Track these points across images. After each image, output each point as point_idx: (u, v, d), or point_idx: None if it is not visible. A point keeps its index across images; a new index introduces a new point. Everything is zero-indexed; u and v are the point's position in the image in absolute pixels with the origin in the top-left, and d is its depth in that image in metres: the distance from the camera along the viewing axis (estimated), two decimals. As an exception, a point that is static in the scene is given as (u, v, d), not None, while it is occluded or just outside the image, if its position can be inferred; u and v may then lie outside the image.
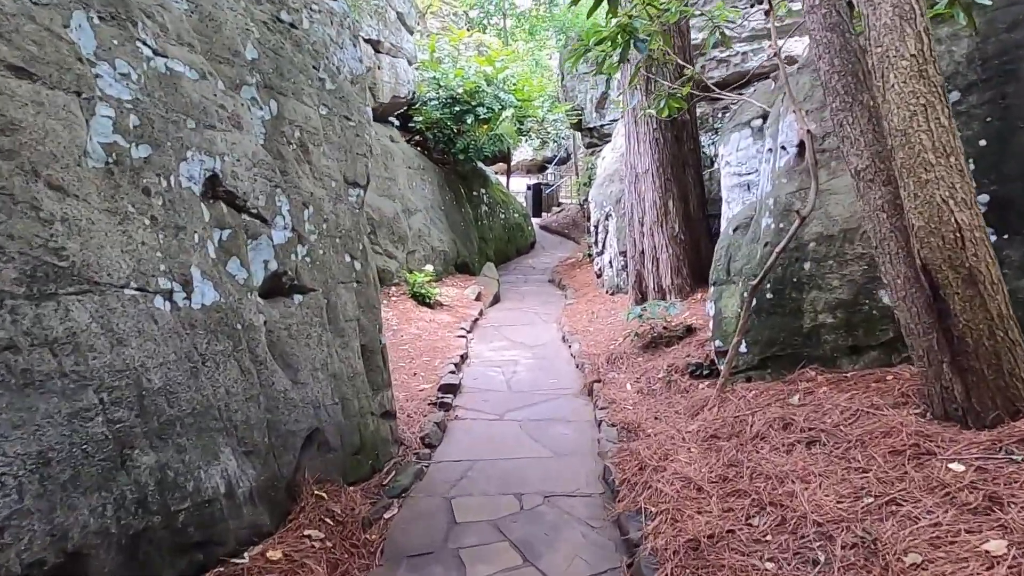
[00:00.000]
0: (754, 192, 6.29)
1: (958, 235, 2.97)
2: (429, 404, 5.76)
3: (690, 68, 6.00)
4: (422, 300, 9.59)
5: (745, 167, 6.33)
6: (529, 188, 23.80)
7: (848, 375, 4.12)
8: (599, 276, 11.36)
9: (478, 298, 10.79)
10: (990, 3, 3.45)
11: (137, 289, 2.57)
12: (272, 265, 3.48)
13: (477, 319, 9.66)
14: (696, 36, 9.33)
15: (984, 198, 3.66)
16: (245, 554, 2.92)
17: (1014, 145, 3.67)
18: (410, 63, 13.06)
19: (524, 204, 20.66)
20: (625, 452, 4.24)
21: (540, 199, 23.36)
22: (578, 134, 19.03)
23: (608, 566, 3.20)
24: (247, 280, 3.27)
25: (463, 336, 8.38)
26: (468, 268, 12.86)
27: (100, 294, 2.40)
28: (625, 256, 9.65)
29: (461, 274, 12.47)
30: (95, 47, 2.57)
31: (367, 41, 11.28)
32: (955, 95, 3.82)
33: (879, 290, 4.08)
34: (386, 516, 3.69)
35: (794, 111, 4.44)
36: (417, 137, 13.78)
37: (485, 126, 13.31)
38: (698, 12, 5.36)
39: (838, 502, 2.84)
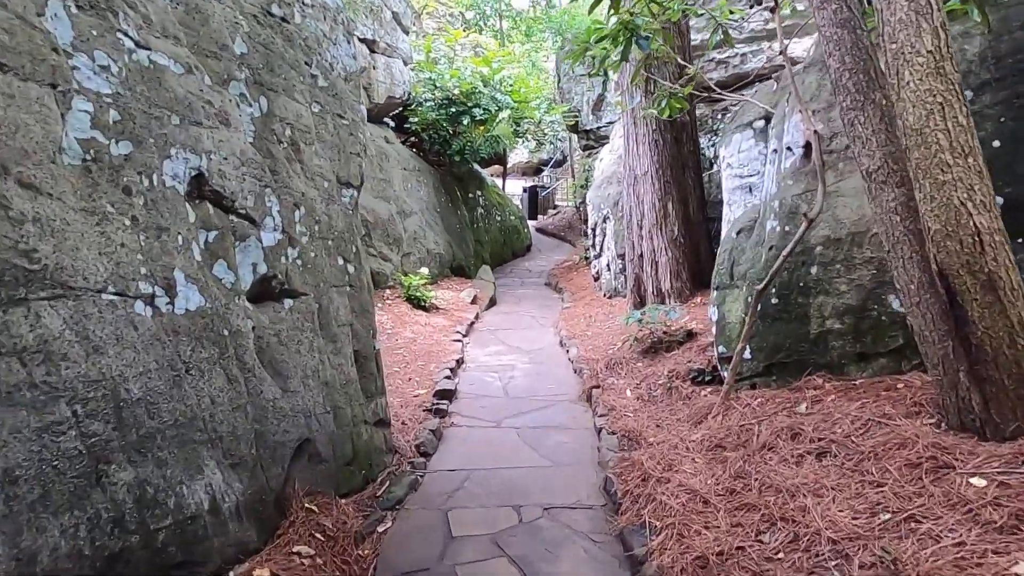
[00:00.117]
0: (756, 194, 6.17)
1: (977, 239, 2.85)
2: (424, 410, 5.61)
3: (691, 68, 5.88)
4: (417, 303, 9.45)
5: (747, 169, 6.21)
6: (525, 190, 23.66)
7: (857, 383, 3.99)
8: (596, 279, 11.24)
9: (474, 301, 10.65)
10: (1006, -1, 3.34)
11: (115, 294, 2.42)
12: (261, 268, 3.34)
13: (473, 323, 9.52)
14: (695, 37, 9.23)
15: (998, 200, 3.54)
16: (230, 573, 2.78)
17: (1029, 146, 3.56)
18: (406, 63, 12.91)
19: (520, 206, 20.53)
20: (627, 462, 4.10)
21: (536, 201, 23.22)
22: (574, 136, 18.90)
23: (612, 584, 3.07)
24: (234, 284, 3.13)
25: (459, 340, 8.24)
26: (464, 271, 12.72)
27: (75, 299, 2.26)
28: (623, 259, 9.53)
29: (457, 277, 12.32)
30: (72, 37, 2.43)
31: (362, 41, 11.14)
32: (968, 94, 3.71)
33: (888, 295, 3.96)
34: (379, 530, 3.55)
35: (800, 111, 4.32)
36: (413, 138, 13.63)
37: (481, 127, 13.18)
38: (701, 11, 5.23)
39: (853, 518, 2.71)
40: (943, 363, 3.14)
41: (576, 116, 16.25)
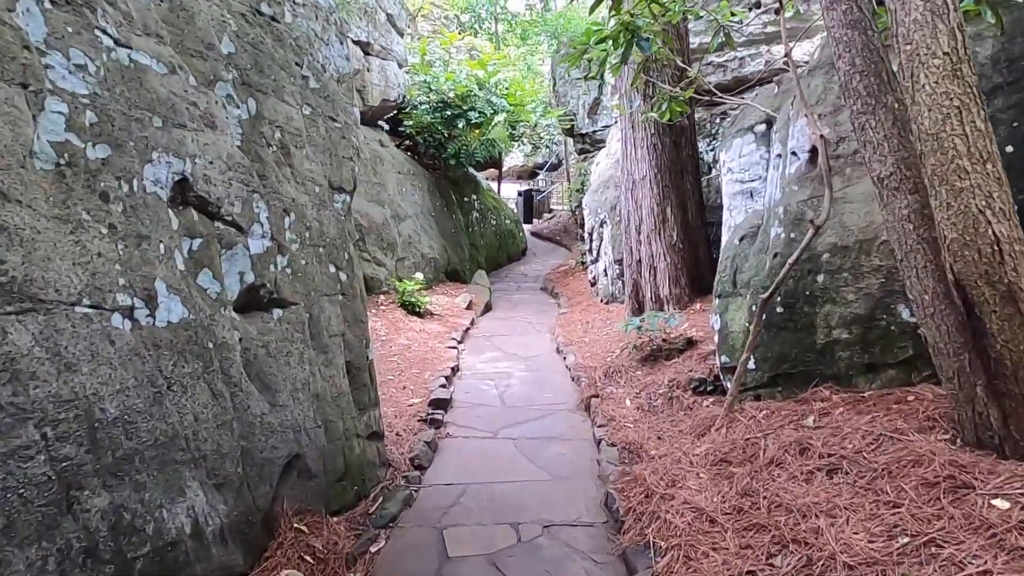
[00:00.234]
0: (757, 200, 6.06)
1: (996, 248, 2.73)
2: (419, 421, 5.47)
3: (692, 70, 5.77)
4: (412, 309, 9.30)
5: (748, 174, 6.11)
6: (520, 194, 23.54)
7: (865, 395, 3.88)
8: (593, 284, 11.11)
9: (469, 307, 10.50)
10: (1021, 0, 3.23)
11: (91, 306, 2.28)
12: (249, 277, 3.19)
13: (468, 329, 9.38)
14: (694, 40, 9.14)
15: (1012, 208, 3.44)
16: (214, 601, 2.62)
17: (1044, 152, 3.46)
18: (400, 66, 12.79)
19: (515, 210, 20.41)
20: (628, 477, 3.97)
21: (531, 205, 23.09)
22: (570, 140, 18.82)
23: (615, 609, 2.94)
24: (220, 294, 2.98)
25: (454, 347, 8.10)
26: (459, 276, 12.58)
27: (46, 313, 2.11)
28: (621, 264, 9.41)
29: (452, 282, 12.18)
30: (45, 34, 2.29)
31: (356, 43, 11.00)
32: (980, 98, 3.60)
33: (898, 305, 3.85)
34: (372, 550, 3.40)
35: (806, 115, 4.21)
36: (407, 142, 13.50)
37: (477, 131, 13.05)
38: (703, 13, 5.12)
39: (870, 541, 2.58)
40: (958, 376, 3.02)
41: (572, 120, 16.16)
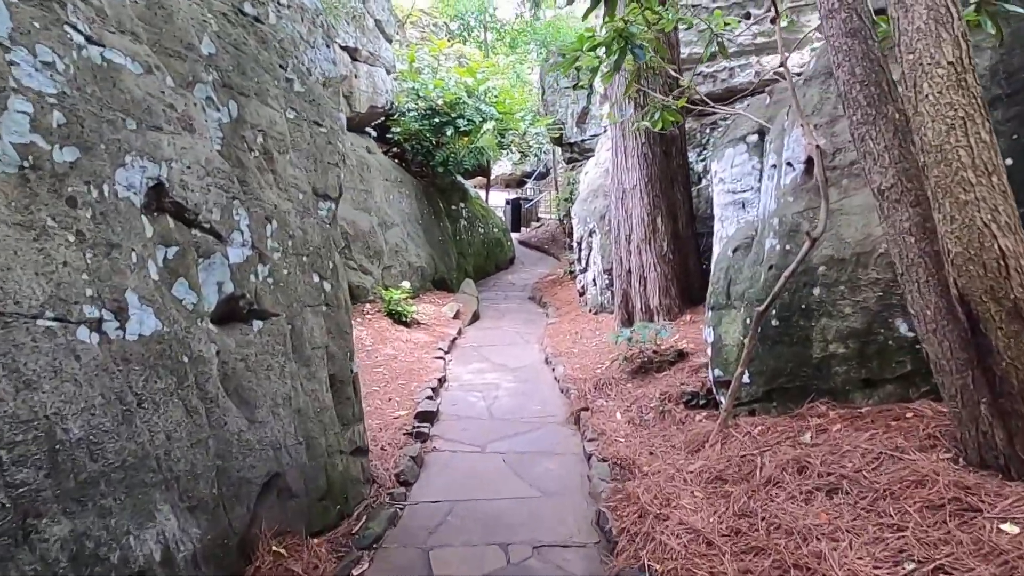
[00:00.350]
0: (749, 210, 6.00)
1: (1001, 263, 2.66)
2: (405, 434, 5.32)
3: (684, 79, 5.71)
4: (398, 318, 9.15)
5: (740, 184, 6.04)
6: (508, 203, 23.48)
7: (863, 411, 3.79)
8: (582, 294, 11.01)
9: (456, 316, 10.37)
10: (1023, 10, 3.18)
11: (54, 319, 2.13)
12: (227, 287, 3.05)
13: (456, 339, 9.24)
14: (684, 51, 9.11)
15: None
16: (185, 632, 2.47)
17: (1044, 164, 3.40)
18: (388, 72, 12.68)
19: (503, 219, 20.32)
20: (620, 494, 3.85)
21: (519, 214, 23.04)
22: (558, 149, 18.80)
23: (609, 636, 2.81)
24: (197, 305, 2.84)
25: (441, 357, 7.96)
26: (446, 284, 12.44)
27: (3, 327, 1.96)
28: (610, 274, 9.33)
29: (439, 291, 12.04)
30: (10, 29, 2.15)
31: (344, 48, 10.89)
32: (979, 110, 3.55)
33: (896, 319, 3.77)
34: (354, 573, 3.25)
35: (801, 125, 4.14)
36: (395, 149, 13.37)
37: (465, 139, 12.96)
38: (696, 20, 5.06)
39: (875, 567, 2.48)
40: (961, 394, 2.94)
41: (560, 129, 16.15)
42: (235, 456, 2.92)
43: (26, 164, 2.14)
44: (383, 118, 12.79)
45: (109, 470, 2.24)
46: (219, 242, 3.00)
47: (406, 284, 9.93)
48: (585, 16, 4.06)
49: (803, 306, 4.09)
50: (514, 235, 20.12)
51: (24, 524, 1.93)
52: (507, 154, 18.09)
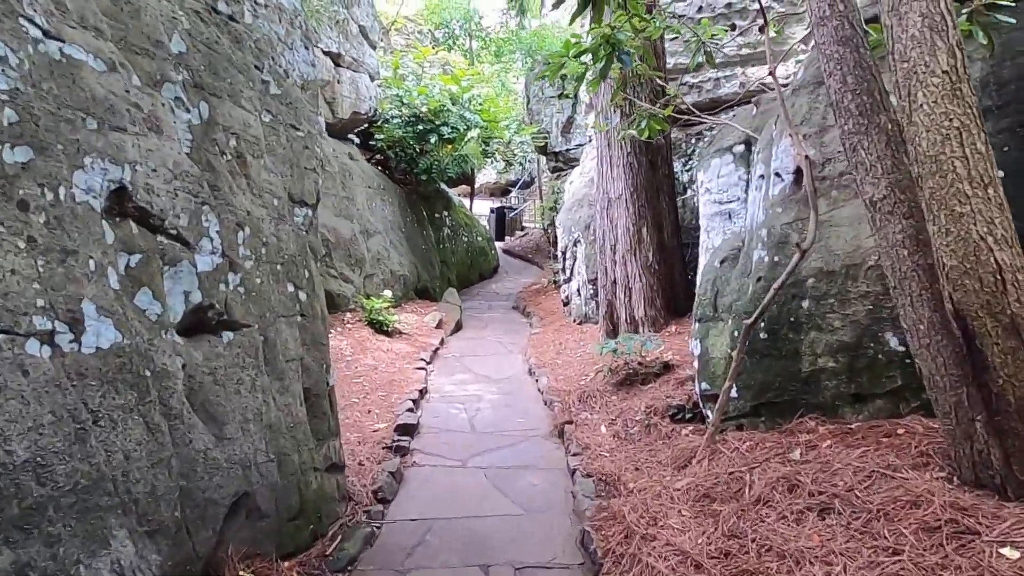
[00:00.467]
0: (736, 221, 5.94)
1: (998, 277, 2.59)
2: (384, 448, 5.16)
3: (671, 88, 5.65)
4: (379, 328, 8.98)
5: (726, 195, 5.99)
6: (493, 211, 23.41)
7: (853, 427, 3.71)
8: (566, 304, 10.91)
9: (439, 326, 10.21)
10: (1015, 20, 3.13)
11: (0, 332, 1.97)
12: (195, 297, 2.90)
13: (438, 349, 9.08)
14: (670, 61, 9.08)
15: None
16: (141, 667, 2.30)
17: (1036, 177, 3.36)
18: (372, 79, 12.54)
19: (487, 227, 20.22)
20: (605, 512, 3.73)
21: (504, 223, 22.97)
22: (542, 158, 18.76)
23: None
24: (161, 316, 2.68)
25: (422, 368, 7.80)
26: (429, 293, 12.28)
27: (-59, 340, 1.80)
28: (595, 284, 9.24)
29: (421, 299, 11.87)
30: (-43, 20, 2.00)
31: (327, 53, 10.74)
32: (969, 122, 3.50)
33: (886, 332, 3.71)
34: (327, 598, 3.09)
35: (790, 135, 4.07)
36: (378, 156, 13.22)
37: (449, 146, 12.84)
38: (683, 28, 5.00)
39: (871, 594, 2.38)
40: (956, 411, 2.87)
41: (545, 138, 16.09)
42: (200, 475, 2.76)
43: (-28, 164, 1.99)
44: (366, 125, 12.65)
45: (59, 494, 2.08)
46: (187, 249, 2.85)
47: (388, 293, 9.77)
48: (572, 20, 3.97)
49: (792, 319, 4.01)
50: (498, 244, 20.03)
51: (-42, 556, 1.76)
52: (492, 163, 17.99)
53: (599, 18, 3.94)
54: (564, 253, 11.10)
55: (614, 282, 8.16)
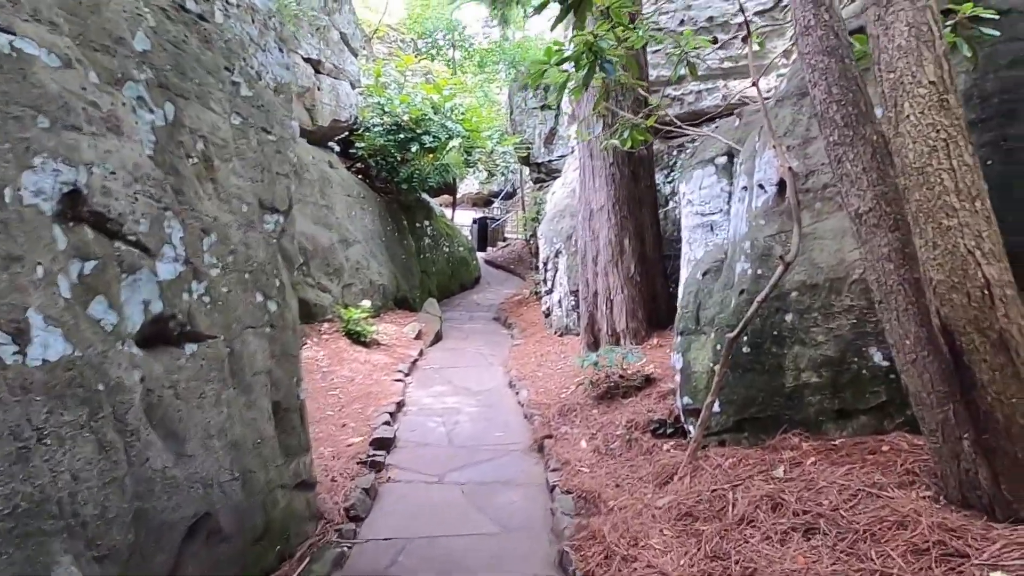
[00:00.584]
0: (718, 233, 5.90)
1: (986, 292, 2.53)
2: (359, 463, 5.01)
3: (653, 99, 5.60)
4: (357, 338, 8.82)
5: (708, 206, 5.94)
6: (475, 222, 23.30)
7: (837, 443, 3.64)
8: (547, 315, 10.82)
9: (418, 336, 10.06)
10: (999, 33, 3.11)
11: (-68, 343, 1.82)
12: (155, 306, 2.75)
13: (416, 360, 8.93)
14: (652, 73, 9.07)
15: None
16: None
17: (1019, 192, 3.33)
18: (353, 86, 12.43)
19: (469, 238, 20.11)
20: (585, 532, 3.62)
21: (486, 233, 22.88)
22: (525, 168, 18.72)
23: None
24: (117, 326, 2.53)
25: (400, 380, 7.65)
26: (408, 303, 12.12)
27: None
28: (576, 296, 9.16)
29: (401, 310, 11.71)
30: None
31: (307, 60, 10.62)
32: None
33: (870, 347, 3.65)
34: (292, 625, 2.94)
35: (774, 146, 4.02)
36: (358, 164, 13.08)
37: (431, 155, 12.73)
38: (666, 38, 4.95)
39: (860, 620, 2.29)
40: (942, 429, 2.80)
41: (528, 148, 16.05)
42: (157, 496, 2.60)
43: (-95, 162, 1.84)
44: (347, 132, 12.52)
45: (-5, 520, 1.92)
46: (147, 256, 2.71)
47: (367, 303, 9.60)
48: (554, 26, 3.90)
49: (775, 333, 3.95)
50: (480, 255, 19.91)
51: None
52: (474, 172, 17.92)
53: (581, 23, 3.87)
54: (546, 264, 11.03)
55: (596, 294, 8.08)
